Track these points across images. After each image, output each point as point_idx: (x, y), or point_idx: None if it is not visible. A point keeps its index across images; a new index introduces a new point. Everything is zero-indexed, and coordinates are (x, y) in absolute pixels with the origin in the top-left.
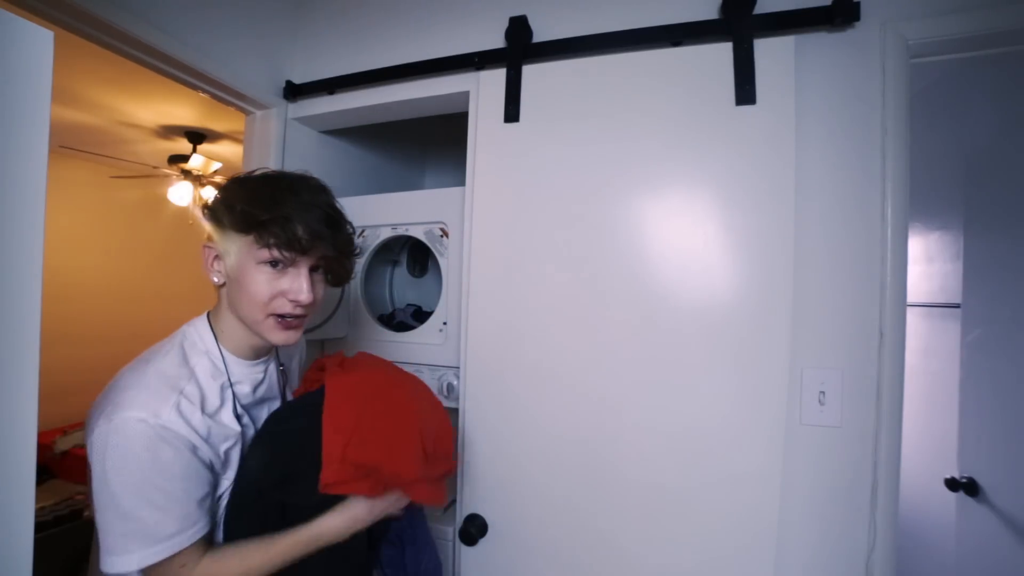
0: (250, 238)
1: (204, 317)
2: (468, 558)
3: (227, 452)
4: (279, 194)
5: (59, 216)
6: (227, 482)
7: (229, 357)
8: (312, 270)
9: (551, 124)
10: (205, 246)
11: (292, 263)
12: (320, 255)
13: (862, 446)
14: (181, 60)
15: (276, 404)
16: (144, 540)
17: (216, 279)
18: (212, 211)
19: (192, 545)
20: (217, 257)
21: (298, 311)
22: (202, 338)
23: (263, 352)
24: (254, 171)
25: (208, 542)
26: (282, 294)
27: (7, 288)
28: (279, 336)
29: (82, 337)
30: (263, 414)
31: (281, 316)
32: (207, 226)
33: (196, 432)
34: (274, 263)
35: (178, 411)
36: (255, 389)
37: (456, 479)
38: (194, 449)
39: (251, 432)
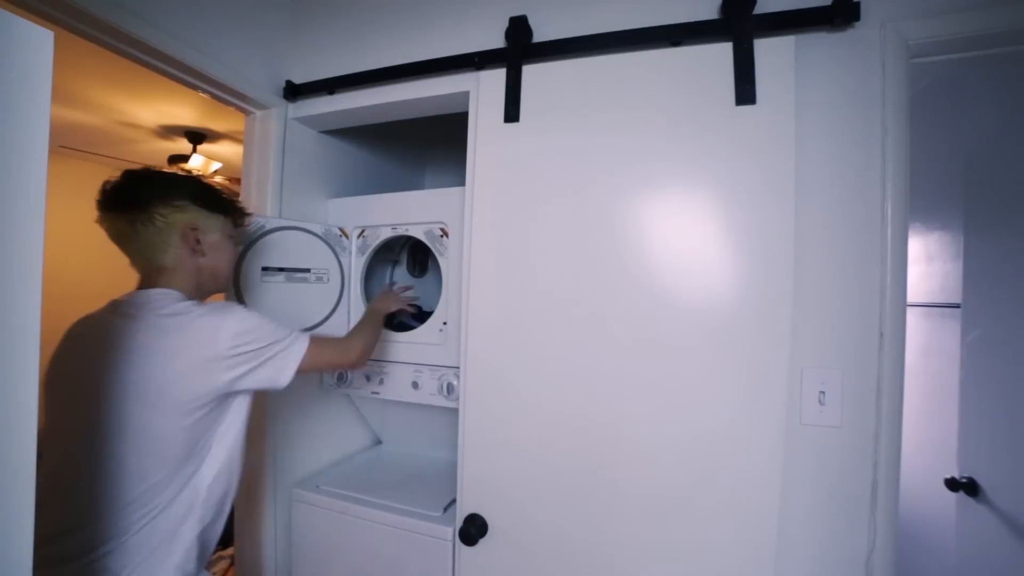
0: (227, 219)
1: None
2: (468, 558)
3: None
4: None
5: (59, 216)
6: None
7: None
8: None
9: (551, 124)
10: (182, 228)
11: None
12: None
13: (862, 446)
14: (181, 60)
15: None
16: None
17: (199, 254)
18: (191, 196)
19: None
20: (198, 238)
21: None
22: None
23: None
24: (143, 170)
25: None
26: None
27: (7, 288)
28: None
29: None
30: None
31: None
32: (179, 211)
33: None
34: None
35: None
36: None
37: (456, 479)
38: None
39: None
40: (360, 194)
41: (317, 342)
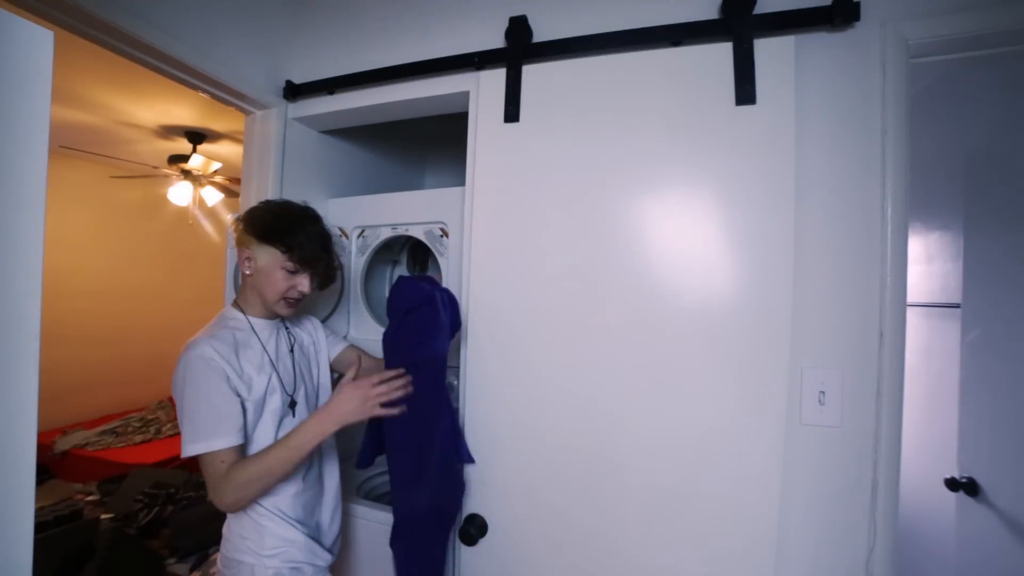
0: (277, 250)
1: (233, 302)
2: (468, 558)
3: (264, 386)
4: (295, 224)
5: (59, 216)
6: (269, 415)
7: (255, 320)
8: (311, 275)
9: (551, 124)
10: (240, 248)
11: (300, 271)
12: (315, 268)
13: (862, 446)
14: (181, 60)
15: (290, 361)
16: (194, 437)
17: (247, 271)
18: (249, 226)
19: (226, 449)
20: (248, 258)
21: (298, 296)
22: (232, 314)
23: (274, 316)
24: (270, 200)
25: (241, 454)
26: (292, 287)
27: (7, 288)
28: (285, 311)
29: (82, 337)
30: (288, 364)
31: (287, 299)
32: (242, 235)
33: (225, 360)
34: (292, 270)
35: (211, 347)
36: (273, 339)
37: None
38: (223, 374)
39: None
40: (360, 194)
41: (205, 461)
